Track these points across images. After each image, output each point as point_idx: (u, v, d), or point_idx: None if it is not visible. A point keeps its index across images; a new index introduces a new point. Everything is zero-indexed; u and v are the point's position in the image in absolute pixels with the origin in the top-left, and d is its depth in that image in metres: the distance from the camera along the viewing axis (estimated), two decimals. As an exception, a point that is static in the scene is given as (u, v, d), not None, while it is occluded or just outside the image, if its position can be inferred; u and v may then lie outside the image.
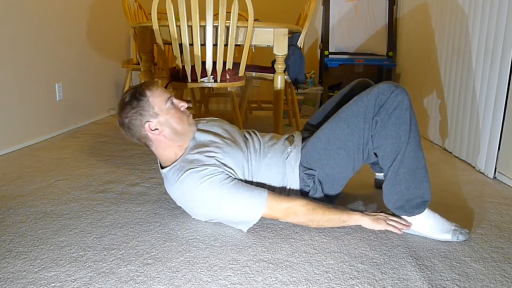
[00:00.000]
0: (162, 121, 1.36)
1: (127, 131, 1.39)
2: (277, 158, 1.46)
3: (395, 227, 1.32)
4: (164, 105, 1.36)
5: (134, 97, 1.35)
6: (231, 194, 1.29)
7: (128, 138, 1.42)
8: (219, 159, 1.35)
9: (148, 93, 1.36)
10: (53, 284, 1.03)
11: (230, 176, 1.33)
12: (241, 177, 1.39)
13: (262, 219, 1.41)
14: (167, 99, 1.37)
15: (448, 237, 1.27)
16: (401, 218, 1.35)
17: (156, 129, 1.36)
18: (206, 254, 1.19)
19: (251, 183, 1.42)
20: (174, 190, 1.37)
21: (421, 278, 1.07)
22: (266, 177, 1.45)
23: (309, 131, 1.64)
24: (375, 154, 1.35)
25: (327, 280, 1.06)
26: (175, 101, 1.41)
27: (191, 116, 1.45)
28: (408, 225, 1.32)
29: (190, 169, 1.31)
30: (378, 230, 1.35)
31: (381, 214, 1.38)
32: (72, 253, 1.18)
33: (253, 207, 1.29)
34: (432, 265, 1.14)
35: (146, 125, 1.35)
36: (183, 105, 1.41)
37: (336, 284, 1.04)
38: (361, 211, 1.38)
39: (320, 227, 1.36)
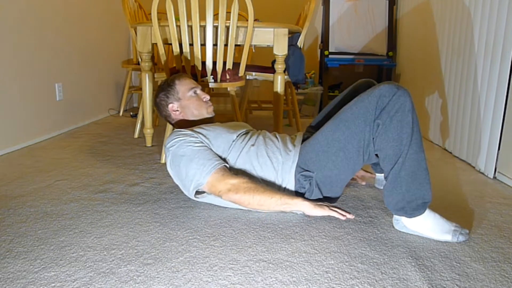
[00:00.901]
0: (183, 104, 1.67)
1: (157, 109, 1.72)
2: (275, 157, 1.46)
3: (338, 212, 1.36)
4: (187, 93, 1.67)
5: (167, 83, 1.71)
6: (191, 155, 1.42)
7: (159, 115, 1.76)
8: (203, 131, 1.51)
9: (177, 81, 1.69)
10: (53, 284, 1.02)
11: (202, 143, 1.46)
12: (219, 154, 1.49)
13: (262, 219, 1.41)
14: (191, 88, 1.68)
15: (448, 237, 1.27)
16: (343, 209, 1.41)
17: (177, 110, 1.67)
18: (206, 254, 1.19)
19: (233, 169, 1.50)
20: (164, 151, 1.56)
21: (421, 278, 1.07)
22: (262, 173, 1.47)
23: (310, 132, 1.64)
24: (376, 155, 1.35)
25: (327, 280, 1.06)
26: (199, 92, 1.70)
27: (212, 107, 1.71)
28: (351, 214, 1.38)
29: (175, 130, 1.51)
30: (323, 216, 1.40)
31: (324, 202, 1.42)
32: (72, 253, 1.18)
33: (202, 172, 1.40)
34: (432, 265, 1.14)
35: (170, 105, 1.68)
36: (206, 96, 1.70)
37: (336, 284, 1.04)
38: (304, 198, 1.42)
39: (261, 208, 1.40)
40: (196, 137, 1.47)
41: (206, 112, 1.68)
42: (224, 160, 1.49)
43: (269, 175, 1.46)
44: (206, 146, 1.46)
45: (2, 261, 1.13)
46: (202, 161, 1.41)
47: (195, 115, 1.67)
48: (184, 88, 1.67)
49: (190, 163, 1.41)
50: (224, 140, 1.50)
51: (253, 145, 1.50)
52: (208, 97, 1.70)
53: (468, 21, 2.23)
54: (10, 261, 1.13)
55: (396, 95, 1.26)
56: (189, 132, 1.48)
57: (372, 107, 1.29)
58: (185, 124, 1.67)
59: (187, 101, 1.66)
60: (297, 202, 1.38)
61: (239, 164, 1.48)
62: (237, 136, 1.53)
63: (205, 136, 1.49)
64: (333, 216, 1.39)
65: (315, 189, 1.41)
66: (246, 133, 1.58)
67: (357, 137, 1.32)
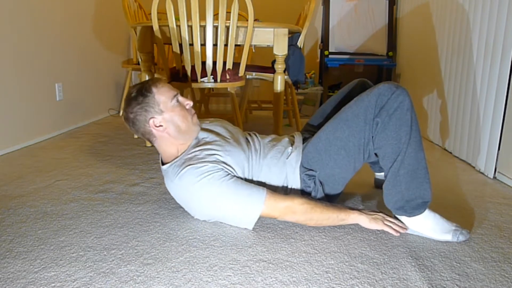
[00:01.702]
0: (167, 118, 1.37)
1: (131, 126, 1.41)
2: (277, 159, 1.45)
3: (392, 228, 1.33)
4: (170, 102, 1.37)
5: (141, 93, 1.37)
6: (230, 191, 1.29)
7: (133, 132, 1.41)
8: (219, 157, 1.35)
9: (154, 89, 1.37)
10: (53, 284, 1.02)
11: (229, 174, 1.33)
12: (241, 175, 1.39)
13: (263, 219, 1.41)
14: (173, 96, 1.38)
15: (448, 237, 1.27)
16: (398, 220, 1.35)
17: (161, 125, 1.37)
18: (206, 254, 1.19)
19: (251, 182, 1.42)
20: (173, 187, 1.37)
21: (421, 278, 1.07)
22: (267, 178, 1.45)
23: (309, 131, 1.64)
24: (376, 154, 1.35)
25: (327, 280, 1.06)
26: (181, 98, 1.42)
27: (196, 115, 1.46)
28: (405, 228, 1.33)
29: (190, 165, 1.32)
30: (376, 230, 1.35)
31: (380, 214, 1.38)
32: (72, 253, 1.18)
33: (252, 205, 1.29)
34: (432, 265, 1.14)
35: (151, 121, 1.37)
36: (189, 103, 1.42)
37: (336, 284, 1.04)
38: (360, 210, 1.38)
39: (319, 225, 1.36)
40: (222, 169, 1.32)
41: (191, 123, 1.41)
42: (259, 183, 1.42)
43: (275, 177, 1.45)
44: (235, 176, 1.34)
45: (2, 261, 1.13)
46: (245, 196, 1.30)
47: (182, 129, 1.38)
48: (164, 97, 1.37)
49: (233, 202, 1.31)
50: (242, 162, 1.41)
51: (256, 150, 1.48)
52: (191, 103, 1.43)
53: (468, 21, 2.23)
54: (10, 261, 1.13)
55: (395, 94, 1.26)
56: (209, 164, 1.31)
57: (372, 105, 1.29)
58: (169, 141, 1.41)
59: (171, 112, 1.37)
60: (354, 217, 1.35)
61: (257, 178, 1.45)
62: (247, 152, 1.45)
63: (226, 164, 1.35)
64: (387, 231, 1.34)
65: (319, 188, 1.41)
66: (247, 141, 1.51)
67: (357, 135, 1.32)
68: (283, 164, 1.45)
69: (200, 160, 1.33)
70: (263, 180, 1.44)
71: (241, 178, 1.39)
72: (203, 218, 1.41)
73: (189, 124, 1.40)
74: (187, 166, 1.32)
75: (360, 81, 1.62)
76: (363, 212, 1.36)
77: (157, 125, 1.37)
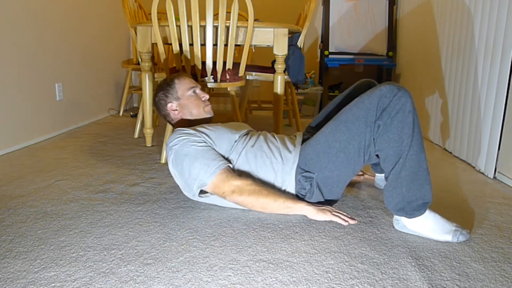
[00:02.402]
0: (182, 104, 1.66)
1: (156, 108, 1.72)
2: (274, 158, 1.46)
3: (340, 218, 1.36)
4: (187, 92, 1.66)
5: (166, 82, 1.70)
6: (195, 154, 1.41)
7: (158, 114, 1.75)
8: (205, 129, 1.50)
9: (176, 80, 1.69)
10: (53, 284, 1.02)
11: (205, 142, 1.45)
12: (222, 153, 1.49)
13: (262, 219, 1.41)
14: (190, 87, 1.67)
15: (448, 237, 1.27)
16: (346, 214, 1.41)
17: (176, 109, 1.67)
18: (206, 254, 1.19)
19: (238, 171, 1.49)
20: (166, 150, 1.52)
21: (421, 278, 1.07)
22: (261, 174, 1.46)
23: (310, 132, 1.64)
24: (377, 155, 1.35)
25: (327, 280, 1.06)
26: (198, 91, 1.69)
27: (210, 106, 1.71)
28: (354, 219, 1.38)
29: (177, 129, 1.50)
30: (326, 221, 1.39)
31: (327, 207, 1.42)
32: (72, 253, 1.18)
33: (206, 172, 1.39)
34: (432, 265, 1.14)
35: (169, 105, 1.67)
36: (205, 96, 1.69)
37: (336, 284, 1.04)
38: (307, 202, 1.42)
39: (265, 210, 1.41)
40: (200, 137, 1.45)
41: (204, 111, 1.66)
42: (227, 160, 1.48)
43: (269, 176, 1.46)
44: (209, 146, 1.46)
45: (2, 261, 1.13)
46: (206, 161, 1.40)
47: (194, 114, 1.66)
48: (183, 87, 1.66)
49: (194, 162, 1.40)
50: (226, 141, 1.50)
51: (252, 146, 1.49)
52: (207, 96, 1.69)
53: (468, 21, 2.23)
54: (10, 261, 1.13)
55: (397, 96, 1.26)
56: (192, 131, 1.47)
57: (373, 107, 1.29)
58: (184, 123, 1.67)
59: (186, 100, 1.65)
60: (300, 206, 1.38)
61: (238, 165, 1.48)
62: (239, 137, 1.53)
63: (208, 136, 1.48)
64: (336, 222, 1.39)
65: (316, 190, 1.41)
66: (247, 133, 1.57)
67: (357, 138, 1.32)
68: (280, 163, 1.45)
69: (188, 129, 1.49)
70: (254, 173, 1.48)
71: (224, 157, 1.48)
72: (174, 178, 1.52)
73: (201, 111, 1.66)
74: (175, 130, 1.50)
75: (365, 81, 1.60)
76: (310, 204, 1.40)
77: (174, 108, 1.67)
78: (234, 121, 2.32)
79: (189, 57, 2.12)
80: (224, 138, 1.50)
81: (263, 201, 1.37)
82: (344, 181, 1.41)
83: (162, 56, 2.22)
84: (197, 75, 2.17)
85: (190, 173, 1.42)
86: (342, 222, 1.36)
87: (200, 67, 2.14)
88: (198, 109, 1.66)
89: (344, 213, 1.40)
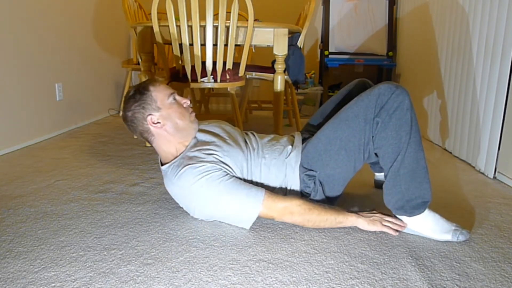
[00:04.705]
0: (164, 115, 1.38)
1: (130, 124, 1.42)
2: (276, 159, 1.45)
3: (390, 228, 1.33)
4: (167, 100, 1.39)
5: (138, 91, 1.39)
6: (229, 191, 1.30)
7: (132, 132, 1.45)
8: (218, 157, 1.36)
9: (151, 87, 1.39)
10: (53, 284, 1.02)
11: (228, 174, 1.33)
12: (239, 175, 1.40)
13: (262, 219, 1.41)
14: (169, 94, 1.40)
15: (448, 237, 1.27)
16: (396, 218, 1.35)
17: (158, 122, 1.38)
18: (206, 254, 1.19)
19: (250, 182, 1.42)
20: (172, 187, 1.38)
21: (421, 278, 1.07)
22: (265, 178, 1.44)
23: (309, 131, 1.64)
24: (376, 154, 1.35)
25: (327, 280, 1.06)
26: (178, 97, 1.43)
27: (194, 113, 1.47)
28: (404, 225, 1.33)
29: (188, 165, 1.33)
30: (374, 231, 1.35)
31: (377, 214, 1.37)
32: (72, 253, 1.18)
33: (250, 205, 1.30)
34: (432, 265, 1.14)
35: (149, 118, 1.38)
36: (186, 101, 1.44)
37: (336, 284, 1.04)
38: (357, 212, 1.38)
39: (317, 227, 1.36)
40: (220, 168, 1.32)
41: (189, 120, 1.42)
42: (258, 184, 1.42)
43: (273, 178, 1.45)
44: (234, 176, 1.35)
45: (2, 261, 1.13)
46: (243, 196, 1.30)
47: (180, 126, 1.40)
48: (161, 94, 1.39)
49: (231, 202, 1.31)
50: (241, 163, 1.41)
51: (254, 149, 1.48)
52: (188, 101, 1.45)
53: (468, 21, 2.23)
54: (10, 261, 1.13)
55: (395, 94, 1.27)
56: (208, 164, 1.32)
57: (372, 105, 1.29)
58: (168, 139, 1.41)
59: (168, 109, 1.38)
60: (352, 220, 1.34)
61: (254, 178, 1.45)
62: (246, 152, 1.45)
63: (225, 164, 1.35)
64: (386, 232, 1.34)
65: (319, 188, 1.41)
66: (245, 142, 1.51)
67: (357, 135, 1.32)
68: (282, 163, 1.44)
69: (198, 160, 1.33)
70: (262, 181, 1.44)
71: (240, 178, 1.39)
72: (201, 218, 1.41)
73: (187, 122, 1.41)
74: (185, 166, 1.33)
75: (360, 81, 1.62)
76: (361, 215, 1.36)
77: (155, 121, 1.38)
78: (234, 122, 2.31)
79: (189, 57, 2.12)
80: (238, 161, 1.39)
81: (314, 221, 1.33)
82: (345, 179, 1.41)
83: (162, 56, 2.22)
84: (197, 75, 2.17)
85: (232, 210, 1.32)
86: (392, 232, 1.32)
87: (200, 67, 2.14)
88: (184, 119, 1.40)
89: (393, 220, 1.35)
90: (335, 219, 1.33)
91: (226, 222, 1.38)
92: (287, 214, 1.32)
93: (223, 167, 1.34)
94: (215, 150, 1.37)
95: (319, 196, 1.42)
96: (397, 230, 1.32)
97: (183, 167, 1.33)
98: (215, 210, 1.35)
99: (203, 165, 1.31)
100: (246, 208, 1.31)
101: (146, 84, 1.40)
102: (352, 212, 1.37)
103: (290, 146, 1.49)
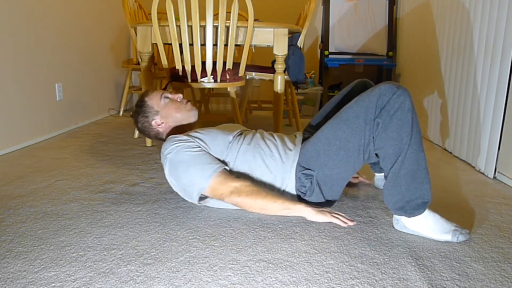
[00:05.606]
0: (164, 114, 1.62)
1: (144, 133, 1.68)
2: (273, 156, 1.46)
3: (340, 219, 1.36)
4: (161, 102, 1.63)
5: (137, 105, 1.66)
6: (189, 161, 1.40)
7: (150, 138, 1.74)
8: (198, 134, 1.49)
9: (145, 98, 1.64)
10: (53, 284, 1.02)
11: (200, 147, 1.44)
12: (218, 156, 1.48)
13: (263, 219, 1.41)
14: (160, 96, 1.63)
15: (448, 237, 1.27)
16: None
17: (162, 122, 1.63)
18: (206, 254, 1.19)
19: (237, 172, 1.48)
20: (161, 159, 1.50)
21: (421, 278, 1.07)
22: (259, 171, 1.47)
23: (309, 132, 1.64)
24: (376, 154, 1.35)
25: (327, 280, 1.06)
26: (170, 95, 1.65)
27: (189, 102, 1.68)
28: (353, 221, 1.38)
29: (170, 137, 1.48)
30: (325, 222, 1.39)
31: (326, 208, 1.42)
32: (72, 253, 1.18)
33: (202, 176, 1.39)
34: (432, 265, 1.14)
35: (153, 122, 1.63)
36: (179, 96, 1.66)
37: (336, 284, 1.04)
38: (306, 203, 1.41)
39: (264, 211, 1.40)
40: (193, 142, 1.44)
41: (186, 110, 1.64)
42: (224, 162, 1.48)
43: (268, 175, 1.46)
44: (204, 151, 1.44)
45: (2, 261, 1.13)
46: (202, 165, 1.40)
47: (179, 118, 1.63)
48: (155, 100, 1.63)
49: (190, 168, 1.40)
50: (220, 143, 1.49)
51: (249, 144, 1.49)
52: (180, 96, 1.66)
53: (468, 21, 2.23)
54: (10, 261, 1.13)
55: (396, 94, 1.26)
56: (185, 137, 1.46)
57: (372, 105, 1.29)
58: (174, 131, 1.63)
59: (165, 109, 1.62)
60: (299, 207, 1.38)
61: (237, 166, 1.48)
62: (233, 138, 1.52)
63: (201, 140, 1.47)
64: (335, 223, 1.38)
65: (316, 188, 1.41)
66: (241, 133, 1.57)
67: (357, 136, 1.32)
68: (280, 160, 1.45)
69: (181, 135, 1.48)
70: (254, 174, 1.47)
71: (220, 161, 1.47)
72: (172, 185, 1.50)
73: (184, 111, 1.64)
74: (169, 138, 1.49)
75: (360, 81, 1.62)
76: (309, 205, 1.39)
77: (159, 123, 1.63)
78: (234, 122, 2.32)
79: (189, 57, 2.12)
80: (218, 140, 1.49)
81: (261, 202, 1.36)
82: (343, 180, 1.41)
83: (162, 56, 2.22)
84: (197, 75, 2.17)
85: (187, 180, 1.41)
86: (341, 223, 1.36)
87: (200, 67, 2.14)
88: (180, 111, 1.63)
89: (343, 215, 1.40)
90: (282, 203, 1.37)
91: (181, 192, 1.47)
92: (235, 193, 1.37)
93: (197, 141, 1.45)
94: (199, 132, 1.51)
95: (315, 196, 1.42)
96: (346, 223, 1.36)
97: (167, 140, 1.48)
98: (176, 178, 1.44)
99: (180, 137, 1.46)
100: (196, 179, 1.39)
101: (141, 97, 1.65)
102: (301, 202, 1.41)
103: (290, 144, 1.49)
